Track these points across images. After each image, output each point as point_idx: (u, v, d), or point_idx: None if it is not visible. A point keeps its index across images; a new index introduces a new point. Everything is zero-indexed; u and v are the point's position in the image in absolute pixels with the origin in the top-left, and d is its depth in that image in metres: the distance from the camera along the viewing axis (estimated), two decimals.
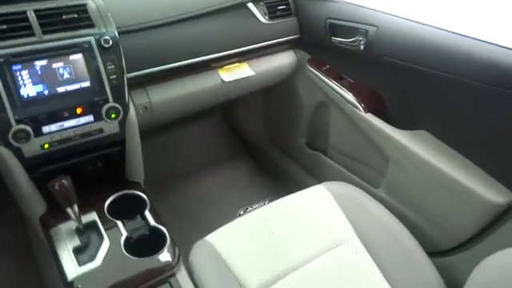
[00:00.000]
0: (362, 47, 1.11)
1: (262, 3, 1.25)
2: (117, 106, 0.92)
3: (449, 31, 0.91)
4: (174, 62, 1.09)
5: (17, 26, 0.82)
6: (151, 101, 1.10)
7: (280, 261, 0.89)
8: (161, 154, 1.72)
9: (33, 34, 0.83)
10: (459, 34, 0.89)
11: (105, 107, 0.90)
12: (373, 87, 1.20)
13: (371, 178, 1.26)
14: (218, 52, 1.17)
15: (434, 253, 1.01)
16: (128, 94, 0.94)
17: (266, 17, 1.25)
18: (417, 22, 0.98)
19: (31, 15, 0.84)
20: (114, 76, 0.91)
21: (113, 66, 0.90)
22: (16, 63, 0.80)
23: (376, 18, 1.07)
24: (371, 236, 0.94)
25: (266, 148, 1.80)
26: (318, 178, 1.45)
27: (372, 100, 1.19)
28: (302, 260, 0.89)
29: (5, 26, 0.81)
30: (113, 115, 0.92)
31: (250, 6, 1.22)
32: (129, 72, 0.95)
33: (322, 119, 1.40)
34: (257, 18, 1.23)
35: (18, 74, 0.81)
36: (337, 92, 1.25)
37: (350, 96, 1.20)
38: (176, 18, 1.08)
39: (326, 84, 1.28)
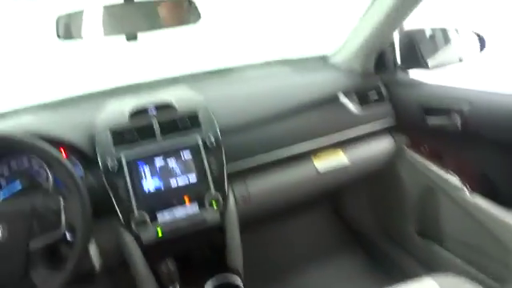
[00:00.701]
0: (459, 126, 1.06)
1: (353, 94, 1.28)
2: (218, 196, 1.02)
3: None
4: (270, 154, 1.17)
5: (145, 134, 1.03)
6: (250, 192, 1.17)
7: None
8: (267, 245, 1.75)
9: (154, 138, 1.03)
10: None
11: (208, 198, 1.02)
12: (477, 166, 1.10)
13: (494, 271, 1.07)
14: (312, 143, 1.21)
15: None
16: (228, 185, 1.05)
17: (358, 106, 1.27)
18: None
19: (156, 126, 1.04)
20: (216, 170, 1.03)
21: (215, 162, 1.03)
22: (140, 160, 0.99)
23: (469, 95, 1.03)
24: None
25: (375, 238, 1.69)
26: (432, 271, 1.29)
27: (478, 180, 1.08)
28: None
29: (137, 136, 1.02)
30: (214, 205, 1.02)
31: (342, 97, 1.27)
32: (228, 162, 1.06)
33: (430, 204, 1.29)
34: (349, 109, 1.26)
35: (141, 170, 0.99)
36: (439, 175, 1.17)
37: (452, 178, 1.12)
38: (272, 115, 1.18)
39: (428, 167, 1.22)
